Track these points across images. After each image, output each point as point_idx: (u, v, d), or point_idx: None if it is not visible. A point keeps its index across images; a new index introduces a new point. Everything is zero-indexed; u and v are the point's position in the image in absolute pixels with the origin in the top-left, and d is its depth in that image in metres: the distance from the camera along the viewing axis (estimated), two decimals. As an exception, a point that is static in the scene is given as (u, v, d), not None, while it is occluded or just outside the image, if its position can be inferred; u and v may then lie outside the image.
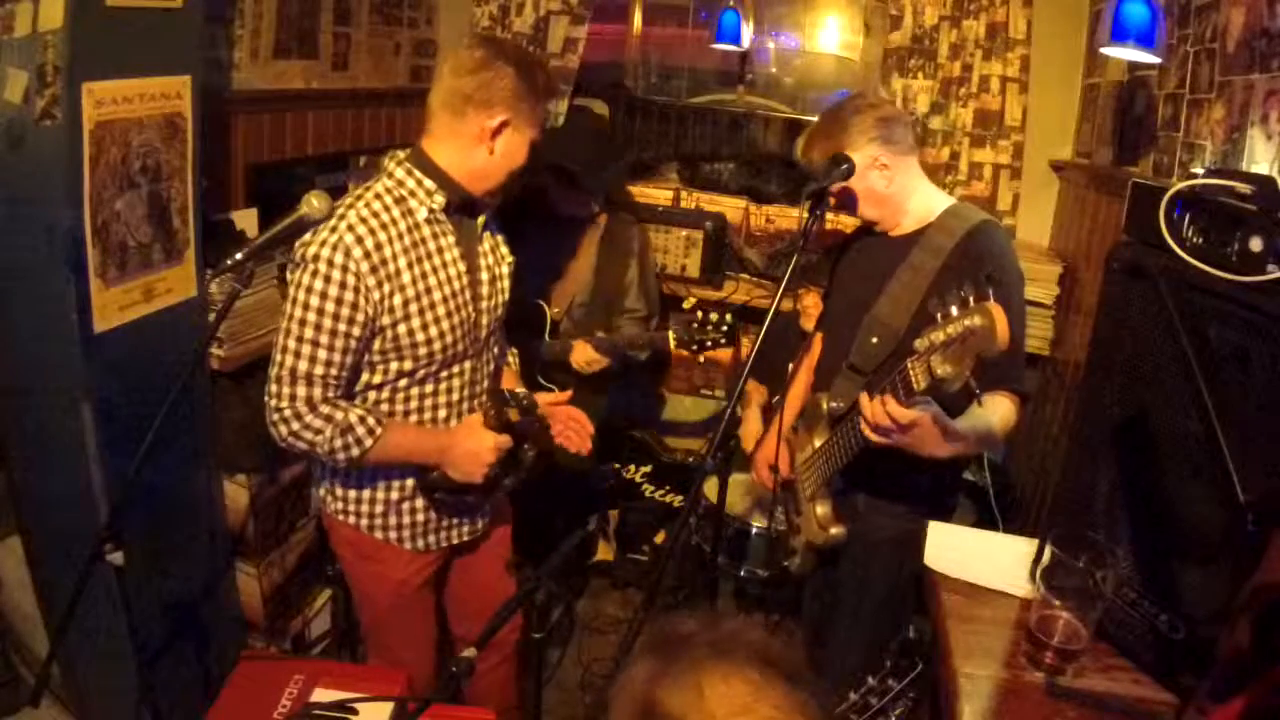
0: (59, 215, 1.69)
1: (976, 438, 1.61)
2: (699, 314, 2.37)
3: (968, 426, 1.58)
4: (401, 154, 1.61)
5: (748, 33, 3.29)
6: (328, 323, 1.49)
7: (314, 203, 1.51)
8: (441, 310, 1.60)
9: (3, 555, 2.09)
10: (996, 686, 1.26)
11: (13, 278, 1.78)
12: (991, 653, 1.33)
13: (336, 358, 1.52)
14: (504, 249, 1.80)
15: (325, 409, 1.52)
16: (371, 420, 1.55)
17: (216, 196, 2.23)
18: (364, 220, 1.51)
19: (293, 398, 1.51)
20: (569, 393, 1.87)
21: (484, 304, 1.71)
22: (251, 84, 2.41)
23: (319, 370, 1.51)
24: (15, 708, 2.01)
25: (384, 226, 1.53)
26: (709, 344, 2.35)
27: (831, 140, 1.73)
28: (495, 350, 1.82)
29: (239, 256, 1.49)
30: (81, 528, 1.80)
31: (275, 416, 1.52)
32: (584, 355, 2.44)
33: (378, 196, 1.56)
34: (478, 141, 1.56)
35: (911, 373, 1.35)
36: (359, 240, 1.49)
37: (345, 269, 1.48)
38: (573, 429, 1.85)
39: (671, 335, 2.36)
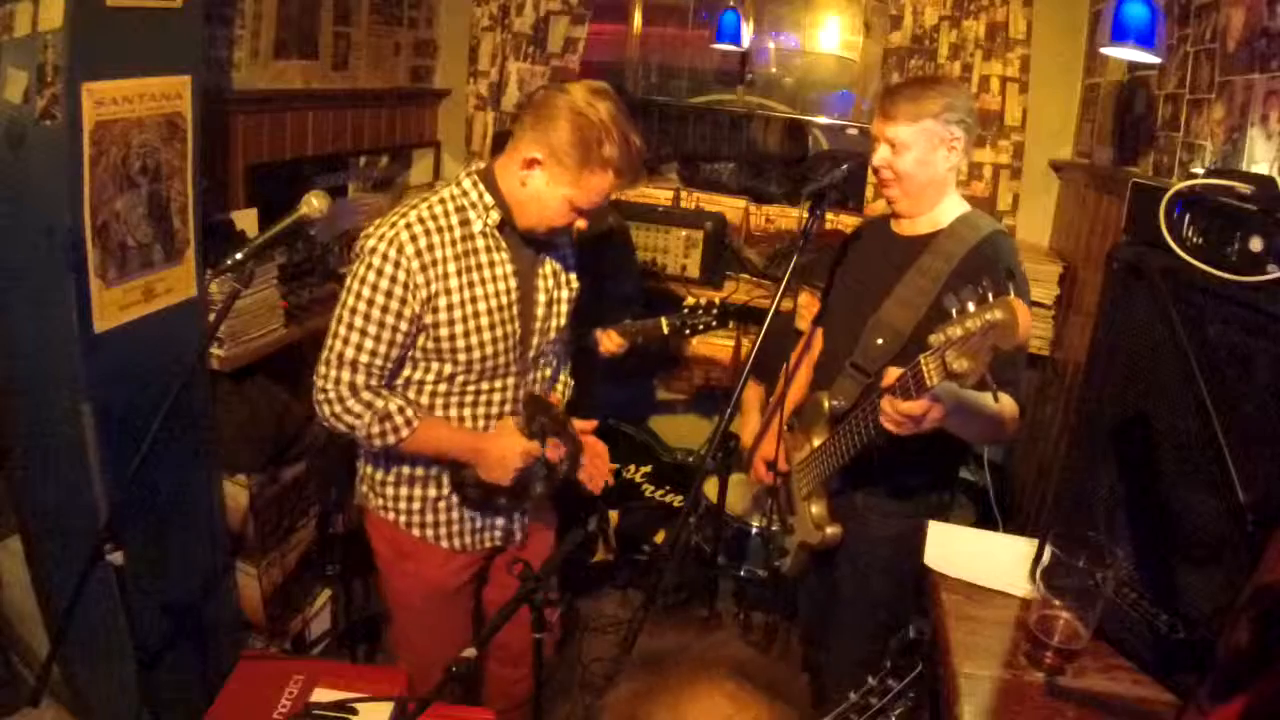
0: (59, 215, 1.69)
1: (986, 410, 1.58)
2: (690, 299, 2.43)
3: (977, 399, 1.57)
4: (477, 167, 1.66)
5: (748, 33, 3.29)
6: (376, 314, 1.55)
7: (314, 203, 1.52)
8: (485, 321, 1.62)
9: (3, 555, 2.09)
10: (996, 686, 1.26)
11: (13, 278, 1.78)
12: (991, 653, 1.33)
13: (382, 348, 1.57)
14: (570, 275, 1.81)
15: (367, 395, 1.58)
16: (410, 412, 1.60)
17: (216, 196, 2.23)
18: (421, 221, 1.57)
19: (337, 381, 1.57)
20: (595, 422, 1.86)
21: (536, 324, 1.73)
22: (251, 84, 2.41)
23: (364, 358, 1.57)
24: (15, 708, 2.01)
25: (439, 230, 1.58)
26: (700, 328, 2.39)
27: (918, 101, 1.68)
28: (547, 371, 1.83)
29: (239, 256, 1.50)
30: (81, 528, 1.80)
31: (320, 397, 1.59)
32: (611, 342, 2.45)
33: (441, 202, 1.61)
34: (517, 168, 1.58)
35: (925, 368, 1.35)
36: (413, 238, 1.55)
37: (397, 264, 1.53)
38: (595, 465, 1.85)
39: (664, 321, 2.40)
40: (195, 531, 2.14)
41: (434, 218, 1.58)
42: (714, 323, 2.40)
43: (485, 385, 1.69)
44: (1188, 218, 1.23)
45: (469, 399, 1.69)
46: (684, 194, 3.29)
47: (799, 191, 3.25)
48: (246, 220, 2.30)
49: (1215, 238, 1.18)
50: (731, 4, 3.20)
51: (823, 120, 3.71)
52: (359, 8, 2.83)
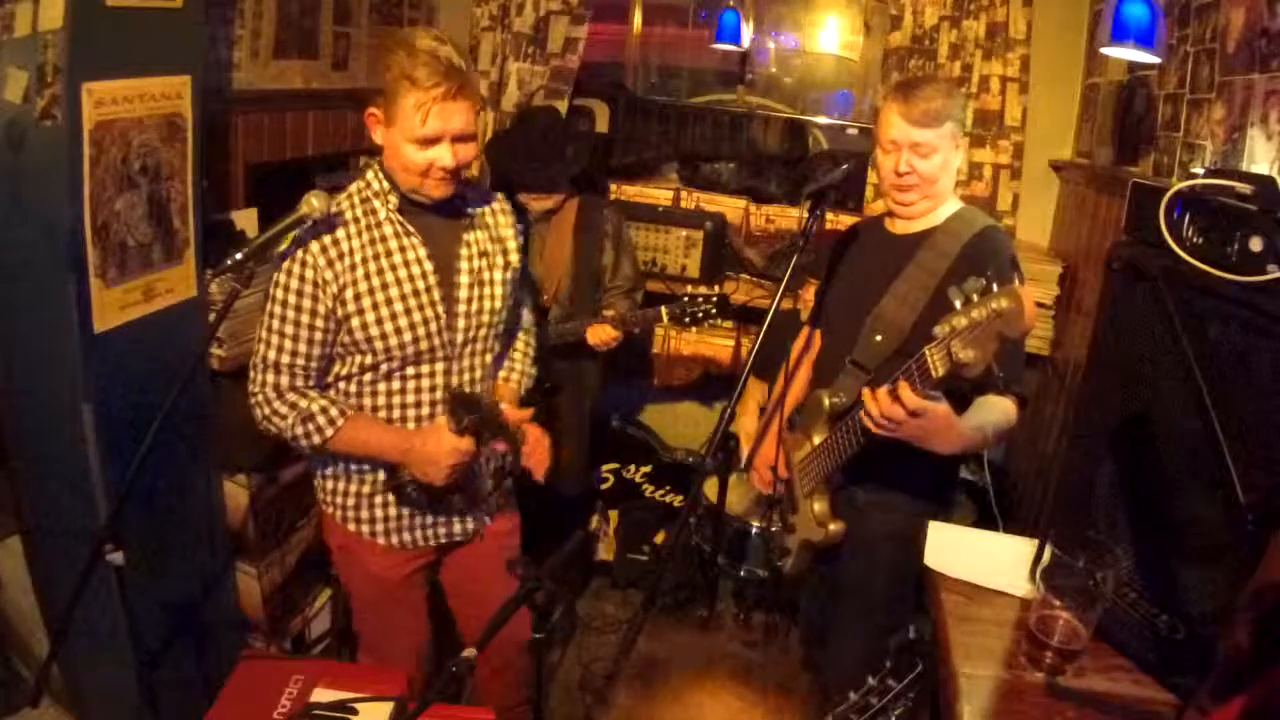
0: (59, 215, 1.69)
1: (982, 436, 1.61)
2: (689, 290, 2.47)
3: (973, 425, 1.59)
4: (378, 158, 1.67)
5: (748, 33, 3.29)
6: (291, 314, 1.58)
7: (314, 203, 1.52)
8: (399, 308, 1.62)
9: (3, 555, 2.09)
10: (996, 686, 1.26)
11: (13, 278, 1.78)
12: (991, 653, 1.33)
13: (302, 348, 1.60)
14: (509, 256, 1.78)
15: (292, 396, 1.61)
16: (334, 411, 1.61)
17: (216, 196, 2.23)
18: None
19: (263, 384, 1.61)
20: (530, 410, 1.85)
21: (460, 306, 1.69)
22: (251, 84, 2.41)
23: (285, 359, 1.60)
24: (15, 708, 2.01)
25: (344, 224, 1.60)
26: (700, 315, 2.43)
27: (939, 102, 1.69)
28: (486, 358, 1.78)
29: (239, 256, 1.50)
30: (81, 528, 1.80)
31: (251, 400, 1.64)
32: (601, 334, 2.49)
33: (348, 196, 1.64)
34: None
35: (930, 359, 1.34)
36: (317, 235, 1.57)
37: (304, 263, 1.56)
38: (537, 453, 1.84)
39: (664, 311, 2.42)
40: (195, 531, 2.14)
41: (340, 212, 1.60)
42: (714, 310, 2.43)
43: (411, 371, 1.68)
44: (1188, 218, 1.23)
45: (395, 385, 1.68)
46: (684, 194, 3.29)
47: (799, 191, 3.25)
48: (246, 220, 2.30)
49: (1215, 238, 1.18)
50: (731, 4, 3.20)
51: (823, 120, 3.71)
52: (359, 8, 2.83)
